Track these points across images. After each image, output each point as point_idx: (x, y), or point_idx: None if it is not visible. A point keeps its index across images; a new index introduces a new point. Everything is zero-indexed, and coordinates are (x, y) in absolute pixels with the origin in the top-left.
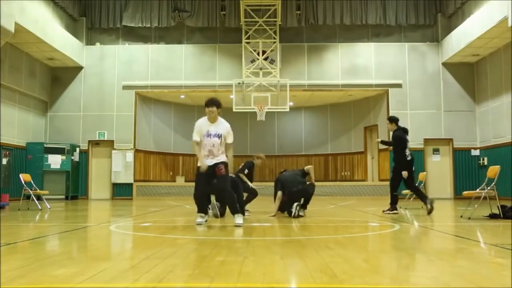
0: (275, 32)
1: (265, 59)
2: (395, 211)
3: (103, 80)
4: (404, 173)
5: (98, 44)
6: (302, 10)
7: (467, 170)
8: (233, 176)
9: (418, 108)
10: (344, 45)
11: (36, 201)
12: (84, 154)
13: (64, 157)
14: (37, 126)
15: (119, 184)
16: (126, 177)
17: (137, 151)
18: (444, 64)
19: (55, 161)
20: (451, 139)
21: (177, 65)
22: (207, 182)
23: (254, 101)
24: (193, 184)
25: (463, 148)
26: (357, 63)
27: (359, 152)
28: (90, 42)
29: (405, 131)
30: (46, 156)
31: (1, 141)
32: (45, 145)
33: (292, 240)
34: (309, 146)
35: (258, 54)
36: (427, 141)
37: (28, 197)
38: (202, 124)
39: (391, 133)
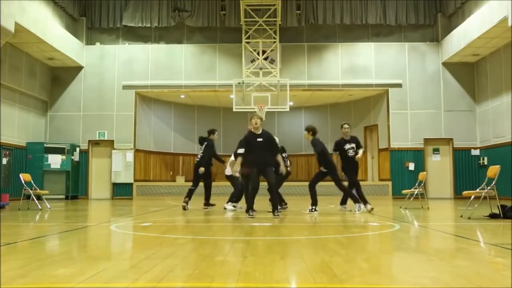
0: (275, 32)
1: (265, 59)
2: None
3: (103, 80)
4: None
5: (98, 44)
6: (302, 10)
7: (467, 170)
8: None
9: (418, 108)
10: (344, 45)
11: (36, 201)
12: (84, 154)
13: (64, 157)
14: (37, 126)
15: (119, 184)
16: (126, 177)
17: (137, 151)
18: (444, 64)
19: (55, 161)
20: (451, 139)
21: (177, 65)
22: None
23: (254, 101)
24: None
25: (463, 148)
26: (357, 63)
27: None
28: (90, 42)
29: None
30: (46, 156)
31: (1, 141)
32: (45, 145)
33: (292, 240)
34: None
35: (258, 54)
36: (427, 141)
37: (28, 197)
38: None
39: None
